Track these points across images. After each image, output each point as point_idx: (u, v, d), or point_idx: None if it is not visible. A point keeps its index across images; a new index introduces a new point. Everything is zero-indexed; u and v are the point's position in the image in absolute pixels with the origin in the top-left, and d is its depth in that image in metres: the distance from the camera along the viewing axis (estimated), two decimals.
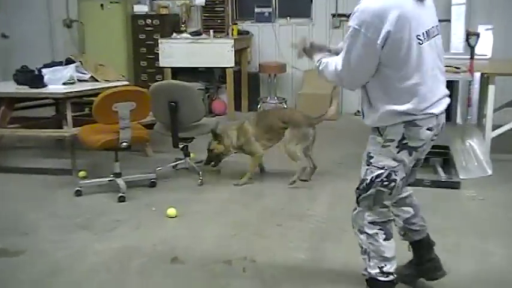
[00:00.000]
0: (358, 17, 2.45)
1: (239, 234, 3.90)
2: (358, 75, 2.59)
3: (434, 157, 5.24)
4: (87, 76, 5.70)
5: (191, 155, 5.28)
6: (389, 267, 2.76)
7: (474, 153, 5.10)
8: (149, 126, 5.16)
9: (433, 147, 5.17)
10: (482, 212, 4.33)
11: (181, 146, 5.15)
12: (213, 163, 4.93)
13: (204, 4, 8.03)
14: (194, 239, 3.83)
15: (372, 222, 2.73)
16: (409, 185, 2.94)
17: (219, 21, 8.07)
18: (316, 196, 4.62)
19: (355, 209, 2.80)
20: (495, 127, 5.24)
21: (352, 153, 5.72)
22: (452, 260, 3.45)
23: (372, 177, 2.66)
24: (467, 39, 5.24)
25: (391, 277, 2.78)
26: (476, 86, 6.13)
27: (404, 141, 2.59)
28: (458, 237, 3.82)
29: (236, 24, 7.99)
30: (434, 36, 2.58)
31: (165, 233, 3.95)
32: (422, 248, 3.02)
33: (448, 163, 5.20)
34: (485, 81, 5.44)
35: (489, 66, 5.56)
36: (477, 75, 5.78)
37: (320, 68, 2.77)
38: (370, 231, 2.73)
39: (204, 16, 8.17)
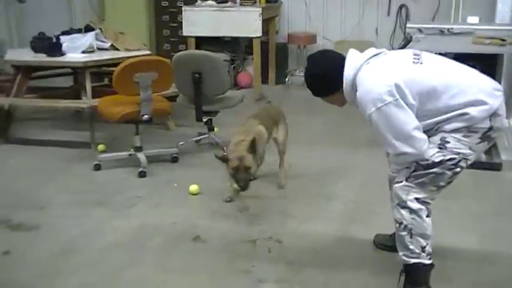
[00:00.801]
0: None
1: (264, 213, 3.89)
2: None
3: None
4: (107, 45, 5.71)
5: (215, 129, 5.26)
6: (429, 248, 2.78)
7: None
8: (172, 98, 5.15)
9: None
10: None
11: (205, 120, 5.14)
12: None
13: None
14: (217, 218, 3.84)
15: (417, 199, 2.74)
16: None
17: None
18: (347, 175, 4.58)
19: (400, 182, 2.78)
20: None
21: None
22: (489, 245, 3.41)
23: (443, 159, 2.68)
24: None
25: (431, 260, 2.80)
26: None
27: (489, 133, 2.67)
28: (497, 222, 3.75)
29: None
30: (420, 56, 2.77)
31: (187, 210, 3.97)
32: None
33: None
34: None
35: None
36: None
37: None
38: (414, 207, 2.73)
39: None
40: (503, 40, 4.70)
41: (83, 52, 5.44)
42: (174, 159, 4.90)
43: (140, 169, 4.57)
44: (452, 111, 2.64)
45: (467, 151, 2.67)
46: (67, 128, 5.80)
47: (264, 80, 7.77)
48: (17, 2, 8.00)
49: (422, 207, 2.74)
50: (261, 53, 7.48)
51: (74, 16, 8.72)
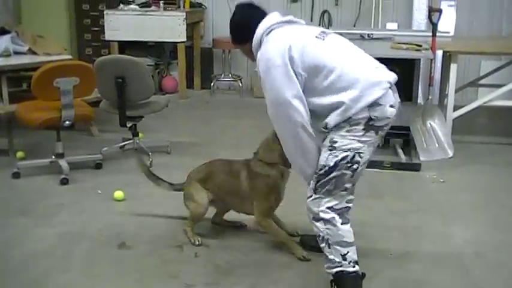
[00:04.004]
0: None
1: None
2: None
3: (395, 138, 5.38)
4: (24, 48, 5.57)
5: (140, 134, 5.24)
6: (352, 255, 2.80)
7: (435, 135, 5.24)
8: (94, 103, 5.09)
9: (393, 128, 5.31)
10: (443, 194, 4.46)
11: (129, 125, 5.10)
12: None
13: None
14: (143, 224, 3.82)
15: (330, 208, 2.79)
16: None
17: None
18: None
19: (310, 196, 2.86)
20: (457, 107, 5.39)
21: None
22: (412, 243, 3.58)
23: (337, 160, 2.73)
24: (429, 16, 5.36)
25: (357, 267, 2.81)
26: (438, 65, 6.28)
27: (371, 123, 2.71)
28: (418, 220, 3.95)
29: None
30: (326, 34, 2.90)
31: (112, 217, 3.93)
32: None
33: (408, 144, 5.33)
34: (447, 59, 5.59)
35: (451, 44, 5.72)
36: (439, 53, 5.93)
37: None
38: (326, 217, 2.79)
39: None
40: (419, 46, 4.94)
41: None
42: (98, 166, 4.84)
43: (62, 176, 4.49)
44: (333, 93, 2.71)
45: (357, 145, 2.72)
46: None
47: (190, 84, 7.80)
48: None
49: (335, 215, 2.78)
50: (186, 58, 7.51)
51: None
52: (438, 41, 5.18)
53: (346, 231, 2.79)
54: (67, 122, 4.45)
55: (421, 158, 5.09)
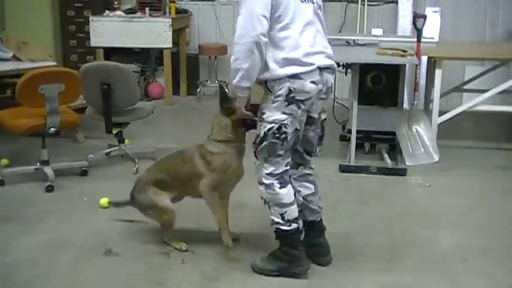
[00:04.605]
0: None
1: (178, 224, 3.88)
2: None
3: (381, 143, 5.40)
4: (8, 55, 5.53)
5: (126, 141, 5.21)
6: (290, 213, 3.10)
7: (421, 139, 5.26)
8: (80, 110, 5.06)
9: (379, 133, 5.31)
10: (429, 199, 4.48)
11: (115, 132, 5.07)
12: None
13: None
14: (129, 231, 3.80)
15: (269, 174, 3.09)
16: (309, 154, 3.27)
17: None
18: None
19: (255, 162, 3.15)
20: (442, 112, 5.42)
21: None
22: (399, 248, 3.59)
23: (265, 131, 3.03)
24: (414, 22, 5.38)
25: (294, 225, 3.12)
26: (423, 70, 6.32)
27: (292, 95, 2.96)
28: (404, 225, 3.96)
29: (174, 2, 7.89)
30: (316, 5, 3.08)
31: (98, 224, 3.90)
32: (313, 230, 3.31)
33: (394, 149, 5.35)
34: (432, 65, 5.62)
35: (436, 49, 5.76)
36: (424, 58, 5.96)
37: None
38: (266, 182, 3.10)
39: None
40: (404, 51, 4.96)
41: None
42: (84, 173, 4.81)
43: (48, 183, 4.45)
44: (276, 47, 2.95)
45: (281, 116, 2.98)
46: None
47: (176, 90, 7.78)
48: None
49: (274, 181, 3.08)
50: (172, 64, 7.49)
51: None
52: (423, 46, 5.21)
53: (284, 194, 3.09)
54: (52, 129, 4.41)
55: (407, 163, 5.11)
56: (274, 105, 2.99)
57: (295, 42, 2.96)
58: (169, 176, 3.51)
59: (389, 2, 7.73)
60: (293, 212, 3.11)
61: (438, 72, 5.31)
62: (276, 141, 3.01)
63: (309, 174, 3.31)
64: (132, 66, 7.19)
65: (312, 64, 2.96)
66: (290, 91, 2.95)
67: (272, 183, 3.08)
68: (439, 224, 3.99)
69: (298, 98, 2.96)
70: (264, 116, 3.03)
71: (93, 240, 3.64)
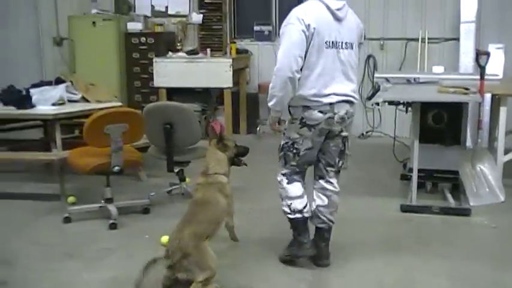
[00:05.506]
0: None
1: (238, 263, 3.89)
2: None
3: (443, 182, 5.27)
4: (77, 96, 5.75)
5: (187, 179, 5.29)
6: (295, 205, 3.74)
7: (485, 178, 5.12)
8: (143, 149, 5.18)
9: (442, 171, 5.17)
10: (495, 240, 4.33)
11: (176, 170, 5.17)
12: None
13: (201, 22, 8.15)
14: None
15: (282, 174, 3.80)
16: (331, 166, 3.77)
17: (216, 39, 8.18)
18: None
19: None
20: (507, 151, 5.26)
21: (356, 177, 5.75)
22: None
23: (283, 143, 3.75)
24: (477, 59, 5.30)
25: (298, 215, 3.75)
26: (486, 108, 6.18)
27: (304, 120, 3.59)
28: (469, 266, 3.83)
29: (234, 42, 8.08)
30: (342, 48, 3.58)
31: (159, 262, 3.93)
32: (318, 235, 3.84)
33: (457, 189, 5.21)
34: (496, 102, 5.49)
35: (500, 86, 5.61)
36: (488, 96, 5.84)
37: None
38: (279, 179, 3.82)
39: (201, 34, 8.28)
40: (466, 89, 4.87)
41: (53, 104, 5.46)
42: (146, 211, 4.90)
43: (111, 221, 4.55)
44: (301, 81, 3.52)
45: (295, 135, 3.65)
46: (37, 181, 5.76)
47: (236, 129, 7.87)
48: None
49: (283, 178, 3.79)
50: (232, 103, 7.61)
51: (45, 68, 8.79)
52: (486, 84, 5.11)
53: (289, 188, 3.77)
54: (116, 168, 4.53)
55: (471, 203, 4.97)
56: (292, 125, 3.66)
57: (311, 84, 3.52)
58: (205, 223, 3.51)
59: (450, 39, 7.64)
60: (299, 204, 3.75)
61: (503, 110, 5.18)
62: (289, 153, 3.71)
63: (327, 189, 3.80)
64: (194, 105, 7.32)
65: (321, 102, 3.54)
66: (302, 117, 3.59)
67: (282, 180, 3.80)
68: (505, 266, 3.83)
69: (308, 123, 3.59)
70: (284, 132, 3.73)
71: (154, 278, 3.66)
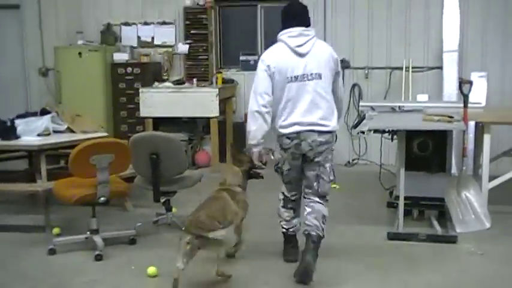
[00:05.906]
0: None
1: None
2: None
3: (430, 209, 5.29)
4: (63, 127, 5.74)
5: (173, 209, 5.27)
6: (283, 224, 4.42)
7: (471, 205, 5.15)
8: (129, 179, 5.16)
9: (428, 199, 5.21)
10: (482, 267, 4.34)
11: (162, 200, 5.15)
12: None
13: (187, 52, 8.19)
14: None
15: (281, 192, 4.39)
16: (309, 188, 4.21)
17: (202, 69, 8.23)
18: None
19: None
20: (492, 178, 5.31)
21: (342, 204, 5.76)
22: None
23: (275, 165, 4.32)
24: (460, 87, 5.35)
25: (284, 230, 4.44)
26: (471, 135, 6.24)
27: (280, 144, 4.18)
28: None
29: (220, 72, 8.12)
30: (309, 80, 4.06)
31: None
32: (307, 242, 4.05)
33: (444, 216, 5.23)
34: (480, 130, 5.55)
35: (484, 114, 5.69)
36: (471, 124, 5.90)
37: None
38: (279, 197, 4.41)
39: (187, 64, 8.33)
40: (450, 117, 4.92)
41: (39, 135, 5.45)
42: (132, 241, 4.86)
43: (97, 252, 4.51)
44: (276, 110, 4.13)
45: (279, 157, 4.23)
46: (22, 212, 5.71)
47: (222, 158, 7.86)
48: None
49: (281, 200, 4.39)
50: (219, 132, 7.62)
51: (31, 99, 8.78)
52: (470, 111, 5.17)
53: (282, 211, 4.42)
54: (102, 198, 4.51)
55: (458, 230, 4.99)
56: (277, 149, 4.23)
57: (278, 116, 4.11)
58: (217, 211, 4.00)
59: (434, 68, 7.75)
60: (285, 225, 4.41)
61: (487, 137, 5.24)
62: (278, 172, 4.31)
63: (312, 201, 4.18)
64: (180, 135, 7.35)
65: (287, 131, 4.08)
66: (280, 143, 4.19)
67: (280, 201, 4.41)
68: None
69: (283, 146, 4.16)
70: (275, 154, 4.29)
71: None
